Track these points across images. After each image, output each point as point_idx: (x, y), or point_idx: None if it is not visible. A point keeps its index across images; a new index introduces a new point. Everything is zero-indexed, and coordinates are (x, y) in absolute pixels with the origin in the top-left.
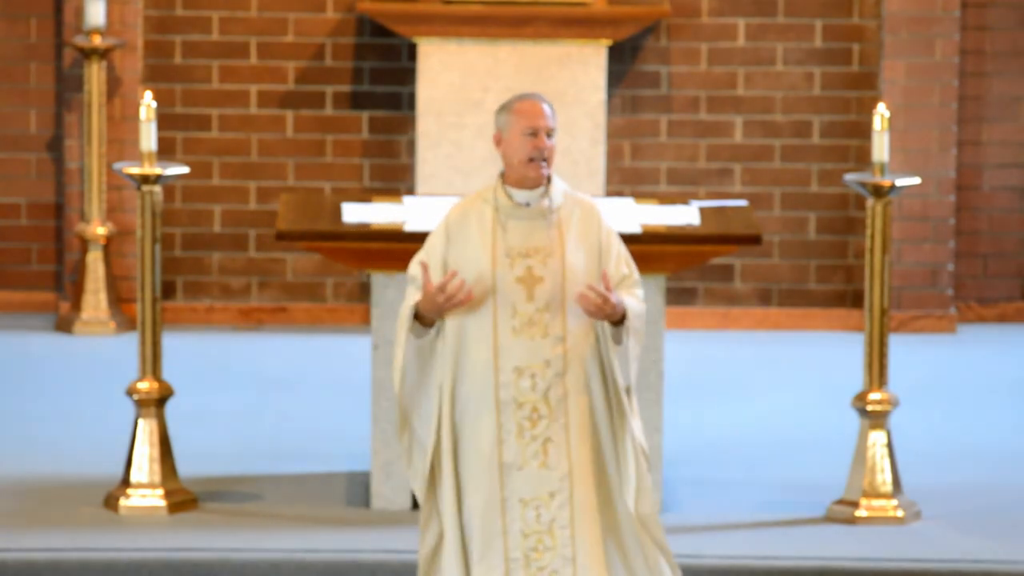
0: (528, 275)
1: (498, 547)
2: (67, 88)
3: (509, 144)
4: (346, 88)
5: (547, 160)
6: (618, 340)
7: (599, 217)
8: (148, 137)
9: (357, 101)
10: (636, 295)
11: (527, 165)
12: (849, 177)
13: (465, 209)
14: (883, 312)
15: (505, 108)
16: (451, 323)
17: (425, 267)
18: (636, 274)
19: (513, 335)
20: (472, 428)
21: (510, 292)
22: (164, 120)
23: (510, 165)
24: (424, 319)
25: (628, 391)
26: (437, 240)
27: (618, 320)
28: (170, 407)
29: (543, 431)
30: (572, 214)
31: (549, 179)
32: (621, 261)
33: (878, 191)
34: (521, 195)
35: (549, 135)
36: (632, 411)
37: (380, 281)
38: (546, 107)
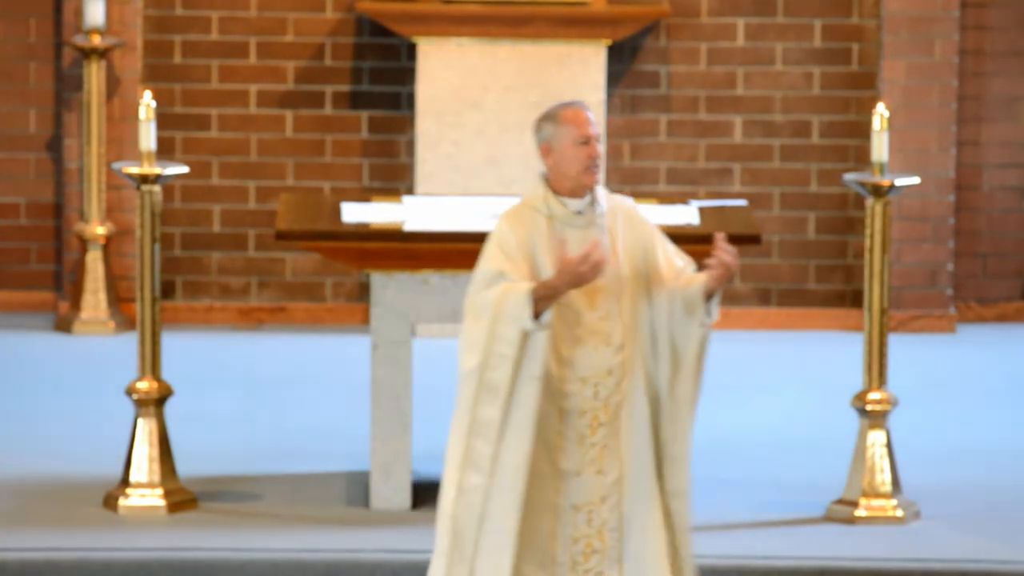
0: (589, 284)
1: (544, 550)
2: (66, 88)
3: (562, 155)
4: (345, 88)
5: (599, 166)
6: (710, 313)
7: (640, 215)
8: (147, 137)
9: (357, 101)
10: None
11: (584, 174)
12: (849, 177)
13: (518, 217)
14: (883, 312)
15: (550, 119)
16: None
17: (563, 242)
18: (691, 265)
19: (577, 344)
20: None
21: (573, 302)
22: (163, 120)
23: (564, 175)
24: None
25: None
26: (506, 235)
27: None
28: (170, 407)
29: (602, 438)
30: (617, 217)
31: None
32: (672, 254)
33: (877, 191)
34: (574, 203)
35: (598, 140)
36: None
37: (379, 281)
38: (590, 114)
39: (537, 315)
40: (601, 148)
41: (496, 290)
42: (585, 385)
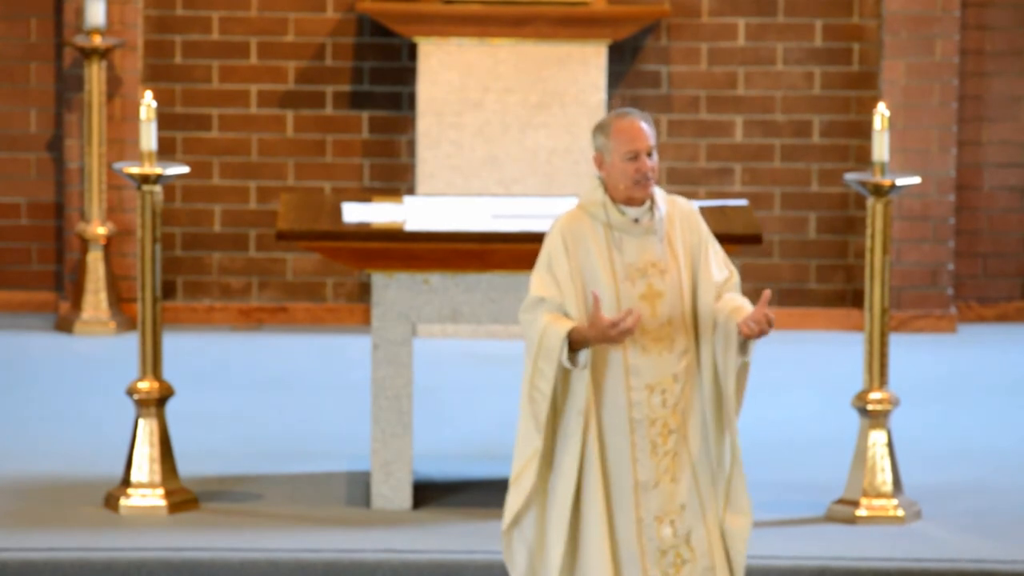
0: (649, 291)
1: (635, 569)
2: (67, 88)
3: (612, 167)
4: (346, 88)
5: (650, 180)
6: (746, 351)
7: (697, 219)
8: (148, 137)
9: (357, 101)
10: (745, 300)
11: (632, 188)
12: (849, 177)
13: (574, 224)
14: (883, 312)
15: (602, 130)
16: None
17: (597, 299)
18: (736, 275)
19: (642, 353)
20: (609, 450)
21: (635, 310)
22: (164, 120)
23: (615, 187)
24: (573, 345)
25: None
26: (558, 251)
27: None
28: (170, 407)
29: (672, 446)
30: (675, 222)
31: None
32: (720, 262)
33: (878, 191)
34: (632, 211)
35: (650, 154)
36: (735, 423)
37: (380, 281)
38: (644, 125)
39: (575, 349)
40: (652, 161)
41: (540, 323)
42: (652, 393)
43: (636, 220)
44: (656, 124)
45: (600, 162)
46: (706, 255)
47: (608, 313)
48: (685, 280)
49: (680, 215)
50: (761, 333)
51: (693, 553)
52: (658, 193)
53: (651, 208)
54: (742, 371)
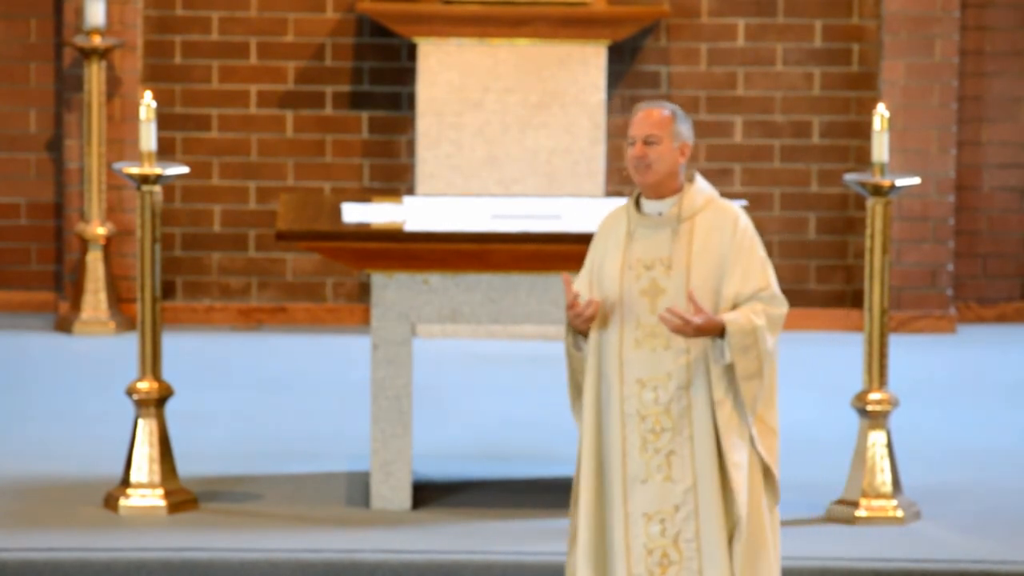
0: (652, 286)
1: (620, 562)
2: (67, 88)
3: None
4: (346, 88)
5: (649, 166)
6: (718, 356)
7: (732, 225)
8: (148, 137)
9: (357, 101)
10: (758, 312)
11: (632, 173)
12: (849, 177)
13: (612, 216)
14: (883, 312)
15: None
16: (592, 336)
17: (567, 280)
18: (773, 288)
19: (636, 347)
20: (605, 442)
21: (634, 304)
22: (164, 120)
23: None
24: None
25: (749, 411)
26: (593, 242)
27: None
28: (170, 407)
29: (667, 444)
30: (700, 224)
31: (692, 184)
32: (750, 275)
33: (878, 191)
34: (651, 205)
35: (648, 141)
36: (745, 429)
37: (380, 281)
38: (656, 112)
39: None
40: (653, 148)
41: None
42: (644, 388)
43: (659, 213)
44: None
45: None
46: (734, 264)
47: (613, 305)
48: (697, 281)
49: (716, 217)
50: (675, 330)
51: (681, 555)
52: (696, 190)
53: (675, 205)
54: (742, 383)
